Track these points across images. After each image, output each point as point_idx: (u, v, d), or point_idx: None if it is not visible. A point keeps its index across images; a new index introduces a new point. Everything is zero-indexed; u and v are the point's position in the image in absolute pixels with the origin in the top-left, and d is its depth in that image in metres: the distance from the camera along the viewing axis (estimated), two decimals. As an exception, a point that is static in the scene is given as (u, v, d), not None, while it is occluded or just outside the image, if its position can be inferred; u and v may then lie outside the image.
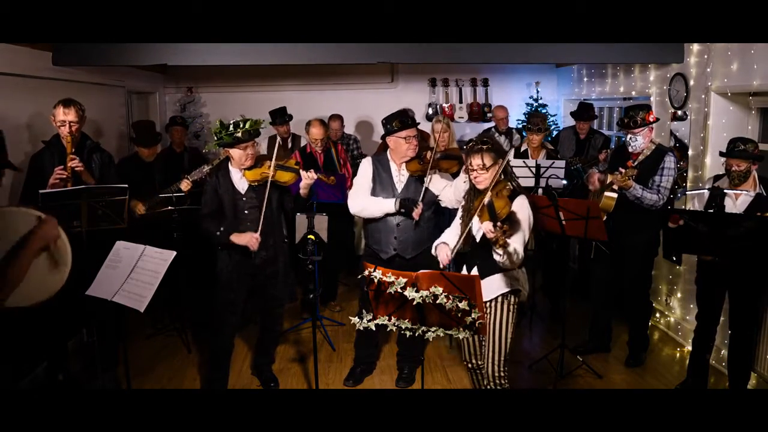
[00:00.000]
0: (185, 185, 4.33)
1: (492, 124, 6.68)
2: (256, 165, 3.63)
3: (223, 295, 3.74)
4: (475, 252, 3.07)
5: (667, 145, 4.56)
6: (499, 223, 2.66)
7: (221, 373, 3.90)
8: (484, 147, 2.93)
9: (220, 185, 3.66)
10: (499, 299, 2.99)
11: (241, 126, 3.51)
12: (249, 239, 3.55)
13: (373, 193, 3.73)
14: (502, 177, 2.97)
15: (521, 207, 2.95)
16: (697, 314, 3.86)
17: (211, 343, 3.98)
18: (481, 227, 2.89)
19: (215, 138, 3.58)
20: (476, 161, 2.93)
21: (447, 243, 3.10)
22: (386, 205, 3.65)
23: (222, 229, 3.60)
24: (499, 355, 3.00)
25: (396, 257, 3.72)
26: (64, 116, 3.68)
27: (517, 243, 2.85)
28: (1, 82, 4.04)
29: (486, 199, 2.85)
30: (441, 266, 3.01)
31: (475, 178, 2.97)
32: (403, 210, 3.61)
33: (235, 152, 3.57)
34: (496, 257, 2.83)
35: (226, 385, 3.94)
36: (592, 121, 5.78)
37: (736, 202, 3.50)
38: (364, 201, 3.71)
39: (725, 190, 3.52)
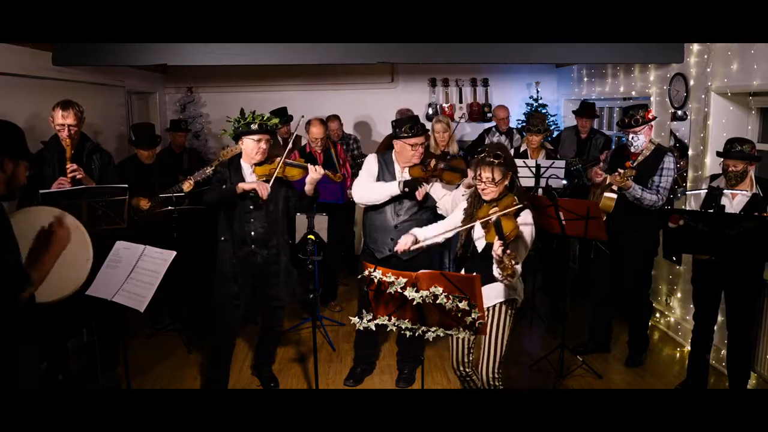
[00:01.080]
0: (187, 186, 4.34)
1: (492, 124, 6.68)
2: (266, 161, 3.66)
3: (224, 290, 3.74)
4: (475, 260, 3.06)
5: (666, 145, 4.56)
6: (508, 251, 2.62)
7: (222, 369, 3.91)
8: (496, 161, 2.88)
9: (230, 177, 3.69)
10: (497, 307, 3.00)
11: (257, 118, 3.56)
12: (257, 184, 3.53)
13: None
14: (507, 191, 2.96)
15: (526, 224, 2.92)
16: (695, 314, 3.86)
17: (212, 339, 3.99)
18: (485, 241, 2.89)
19: (233, 126, 3.61)
20: (486, 174, 2.90)
21: (416, 235, 3.11)
22: (390, 188, 3.66)
23: (229, 183, 3.61)
24: (493, 359, 3.00)
25: (393, 257, 3.73)
26: (63, 120, 3.67)
27: (518, 264, 2.83)
28: (1, 82, 4.04)
29: (493, 216, 2.82)
30: (394, 249, 3.09)
31: (482, 189, 2.94)
32: (407, 189, 3.61)
33: (247, 143, 3.60)
34: (496, 275, 2.80)
35: (227, 383, 3.95)
36: (593, 120, 5.78)
37: (733, 202, 3.51)
38: (367, 186, 3.73)
39: (725, 190, 3.52)
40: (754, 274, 3.54)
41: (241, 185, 3.55)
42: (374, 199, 3.74)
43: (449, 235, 3.09)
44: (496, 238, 2.70)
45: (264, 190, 3.51)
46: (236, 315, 3.82)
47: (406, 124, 3.65)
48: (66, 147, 3.65)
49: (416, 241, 3.08)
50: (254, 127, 3.54)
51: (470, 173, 3.43)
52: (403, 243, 3.07)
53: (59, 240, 2.38)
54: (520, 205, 2.91)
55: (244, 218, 3.65)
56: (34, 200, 3.38)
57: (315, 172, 3.64)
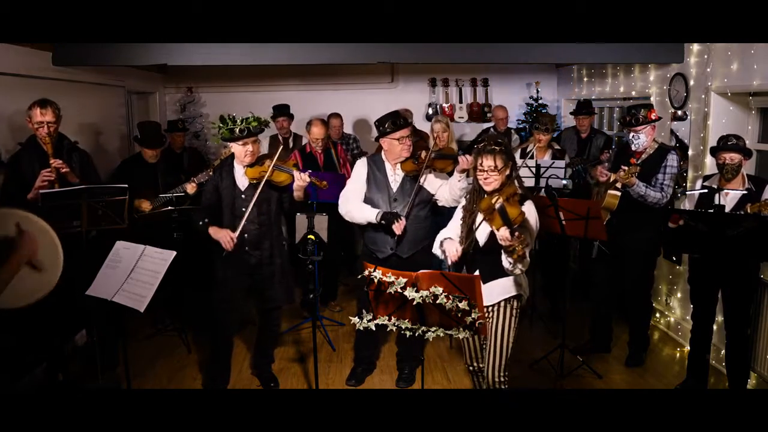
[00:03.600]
0: (191, 188, 4.33)
1: (491, 124, 6.68)
2: (257, 163, 3.65)
3: (220, 294, 3.77)
4: (477, 255, 3.03)
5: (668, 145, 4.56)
6: (516, 233, 2.61)
7: (223, 367, 3.94)
8: (497, 149, 2.88)
9: (222, 180, 3.71)
10: (501, 304, 2.98)
11: (239, 122, 3.54)
12: (224, 236, 3.57)
13: (368, 193, 3.74)
14: (507, 180, 2.95)
15: (530, 213, 2.91)
16: (693, 313, 3.86)
17: (211, 341, 4.00)
18: (492, 231, 2.85)
19: (218, 131, 3.61)
20: (488, 162, 2.88)
21: (453, 238, 3.04)
22: (369, 215, 3.65)
23: (206, 220, 3.65)
24: (500, 360, 2.98)
25: (393, 256, 3.73)
26: (42, 117, 3.64)
27: (527, 248, 2.83)
28: (1, 82, 4.04)
29: (497, 204, 2.79)
30: (449, 262, 2.94)
31: (485, 179, 2.91)
32: (383, 222, 3.60)
33: (235, 147, 3.62)
34: (506, 264, 2.78)
35: (228, 379, 3.98)
36: (593, 118, 5.78)
37: (727, 199, 3.52)
38: (350, 205, 3.72)
39: (725, 189, 3.53)
40: (751, 273, 3.55)
41: (211, 231, 3.61)
42: (353, 220, 3.75)
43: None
44: (502, 224, 2.67)
45: (228, 243, 3.55)
46: (232, 318, 3.84)
47: (388, 120, 3.65)
48: (46, 145, 3.63)
49: (458, 245, 3.03)
50: (236, 132, 3.52)
51: (463, 160, 3.43)
52: (454, 251, 2.95)
53: (19, 253, 2.25)
54: (518, 190, 2.91)
55: (236, 221, 3.66)
56: (15, 201, 3.36)
57: (300, 180, 3.62)
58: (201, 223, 3.65)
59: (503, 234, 2.64)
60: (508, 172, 2.93)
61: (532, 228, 2.89)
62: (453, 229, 3.13)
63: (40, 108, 3.65)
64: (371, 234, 3.78)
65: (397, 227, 3.57)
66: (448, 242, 3.01)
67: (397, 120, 3.64)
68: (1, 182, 3.65)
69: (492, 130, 6.43)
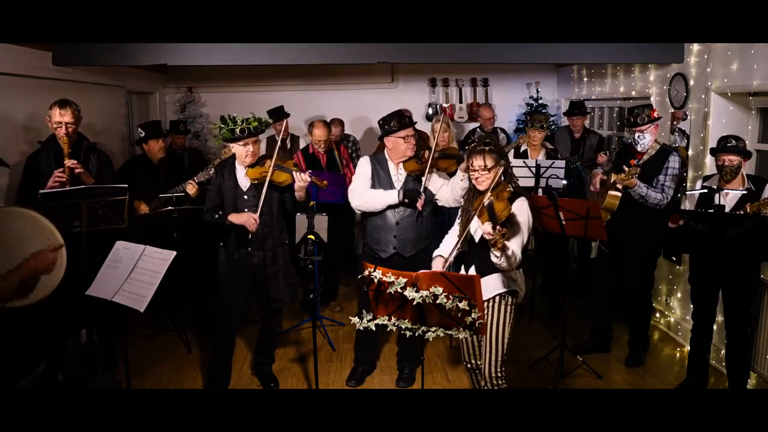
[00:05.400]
0: (191, 188, 4.31)
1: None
2: (257, 164, 3.66)
3: (222, 294, 3.77)
4: (472, 252, 3.08)
5: (674, 145, 4.57)
6: (498, 227, 2.67)
7: (224, 367, 3.94)
8: (486, 148, 2.95)
9: (224, 181, 3.72)
10: (497, 299, 3.00)
11: (239, 123, 3.55)
12: (247, 218, 3.59)
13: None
14: (503, 179, 2.99)
15: (521, 209, 2.96)
16: (693, 313, 3.87)
17: (213, 341, 4.00)
18: (480, 227, 2.91)
19: (219, 131, 3.62)
20: (478, 162, 2.95)
21: (443, 256, 3.12)
22: (389, 197, 3.64)
23: (220, 212, 3.67)
24: (497, 356, 3.00)
25: (395, 255, 3.73)
26: (61, 117, 3.65)
27: (515, 245, 2.87)
28: (1, 82, 4.04)
29: (486, 201, 2.86)
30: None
31: (476, 179, 2.99)
32: (407, 200, 3.61)
33: (236, 148, 3.63)
34: (493, 259, 2.85)
35: (228, 380, 3.97)
36: (586, 118, 5.78)
37: (727, 198, 3.52)
38: (365, 194, 3.71)
39: (725, 190, 3.53)
40: (751, 273, 3.55)
41: (231, 218, 3.62)
42: (372, 208, 3.72)
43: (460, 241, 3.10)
44: (488, 219, 2.74)
45: (252, 225, 3.58)
46: (234, 318, 3.84)
47: (393, 118, 3.66)
48: (63, 145, 3.64)
49: (446, 260, 3.10)
50: (237, 133, 3.53)
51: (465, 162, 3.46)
52: (437, 268, 3.05)
53: (33, 264, 2.40)
54: (509, 187, 2.95)
55: None
56: (33, 200, 3.37)
57: (300, 180, 3.62)
58: (217, 216, 3.67)
59: (485, 228, 2.73)
60: (500, 172, 2.98)
61: (519, 223, 2.94)
62: (451, 237, 3.20)
63: (60, 108, 3.66)
64: (374, 234, 3.78)
65: (420, 203, 3.61)
66: (436, 260, 3.13)
67: (402, 119, 3.65)
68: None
69: (479, 129, 6.44)
